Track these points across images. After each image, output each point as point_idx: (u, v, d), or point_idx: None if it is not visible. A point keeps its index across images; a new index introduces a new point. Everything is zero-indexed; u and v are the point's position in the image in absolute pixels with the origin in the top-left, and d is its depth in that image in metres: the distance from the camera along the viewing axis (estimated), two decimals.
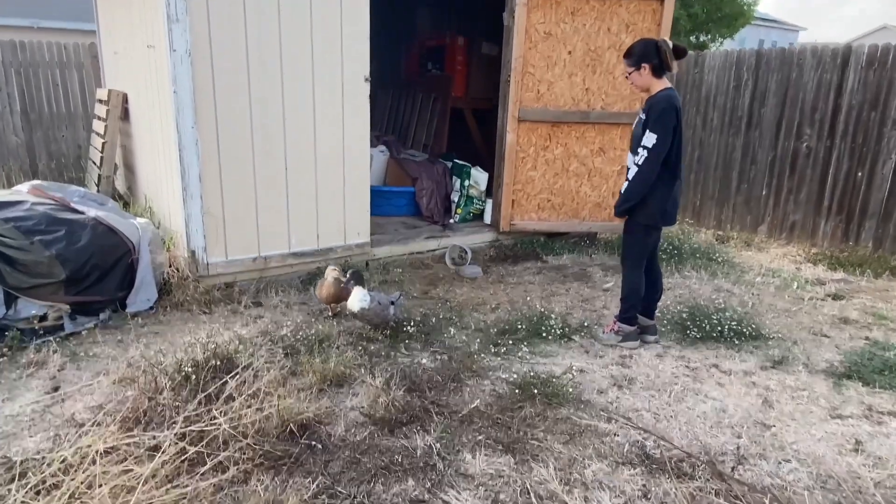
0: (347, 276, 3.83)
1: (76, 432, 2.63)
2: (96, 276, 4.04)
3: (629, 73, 3.50)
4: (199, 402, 2.62)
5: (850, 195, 6.05)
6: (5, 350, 3.45)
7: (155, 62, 4.46)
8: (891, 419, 2.97)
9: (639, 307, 3.75)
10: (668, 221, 3.69)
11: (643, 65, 3.39)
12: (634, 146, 3.56)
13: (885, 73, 5.67)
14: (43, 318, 3.87)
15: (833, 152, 6.12)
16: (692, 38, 18.16)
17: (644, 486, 2.38)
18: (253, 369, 2.96)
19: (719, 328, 3.83)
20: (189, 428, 2.44)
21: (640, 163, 3.37)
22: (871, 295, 4.81)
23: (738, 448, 2.62)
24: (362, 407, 2.87)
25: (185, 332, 3.78)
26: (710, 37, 19.05)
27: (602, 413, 2.92)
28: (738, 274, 5.28)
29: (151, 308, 4.16)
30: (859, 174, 5.96)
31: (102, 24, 6.86)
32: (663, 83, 3.44)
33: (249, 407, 2.54)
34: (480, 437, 2.66)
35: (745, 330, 3.85)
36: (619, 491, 2.35)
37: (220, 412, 2.54)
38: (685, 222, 7.18)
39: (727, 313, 3.99)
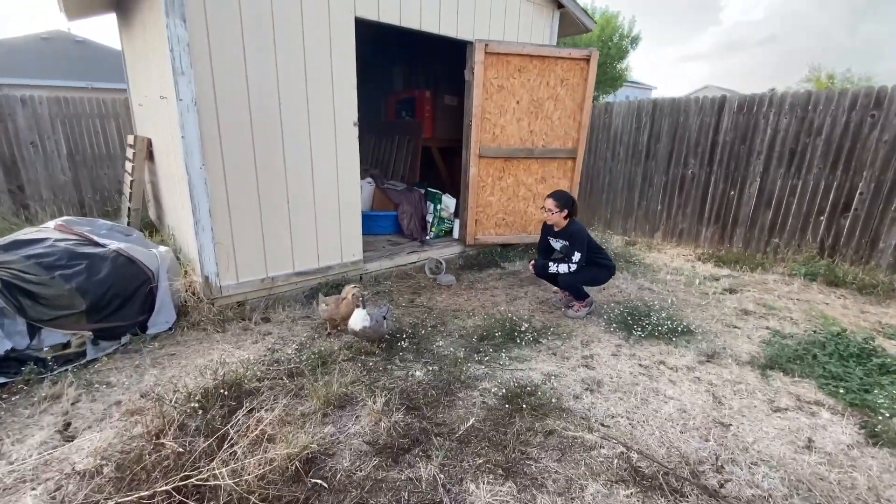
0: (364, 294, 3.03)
1: (75, 487, 1.81)
2: (117, 304, 3.14)
3: (554, 212, 3.55)
4: (207, 446, 1.83)
5: (724, 209, 5.64)
6: (21, 385, 2.54)
7: (167, 111, 3.55)
8: (819, 409, 2.44)
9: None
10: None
11: (565, 210, 3.55)
12: (552, 262, 3.66)
13: (752, 117, 5.25)
14: (66, 345, 2.96)
15: (712, 177, 5.69)
16: None
17: None
18: (259, 402, 2.18)
19: (658, 327, 3.26)
20: (188, 481, 1.66)
21: (574, 268, 3.52)
22: (755, 288, 4.36)
23: (716, 458, 2.02)
24: (365, 434, 2.13)
25: (199, 352, 2.94)
26: (597, 94, 18.78)
27: (583, 421, 2.28)
28: (653, 273, 4.76)
29: (170, 329, 3.29)
30: (731, 193, 5.54)
31: (130, 79, 5.78)
32: (567, 220, 3.59)
33: (254, 453, 1.77)
34: (480, 461, 1.98)
35: (675, 327, 3.29)
36: None
37: (223, 460, 1.76)
38: (601, 229, 6.67)
39: (662, 314, 3.44)
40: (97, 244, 3.39)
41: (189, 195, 3.20)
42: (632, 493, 1.81)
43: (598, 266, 3.62)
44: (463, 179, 4.92)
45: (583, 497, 1.80)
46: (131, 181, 4.84)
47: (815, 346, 3.04)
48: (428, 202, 5.45)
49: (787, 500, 1.81)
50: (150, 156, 4.92)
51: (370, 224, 5.28)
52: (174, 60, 2.98)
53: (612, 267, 3.65)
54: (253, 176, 3.42)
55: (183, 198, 3.53)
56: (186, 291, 3.42)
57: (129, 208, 4.86)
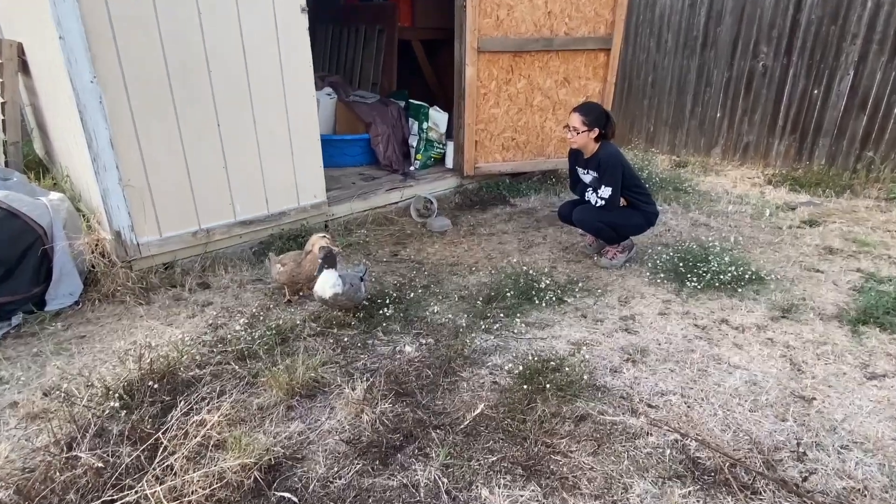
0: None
1: None
2: (1, 274, 3.02)
3: (580, 131, 3.33)
4: (135, 458, 1.79)
5: (804, 114, 5.47)
6: None
7: (36, 0, 3.23)
8: None
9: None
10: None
11: (596, 128, 3.33)
12: (589, 188, 3.55)
13: None
14: None
15: (790, 70, 5.46)
16: None
17: None
18: (200, 395, 2.13)
19: (719, 276, 3.21)
20: None
21: (601, 204, 3.40)
22: (842, 218, 4.31)
23: (796, 443, 2.02)
24: (343, 430, 2.11)
25: (117, 332, 2.87)
26: None
27: (624, 402, 2.27)
28: (710, 204, 4.69)
29: (77, 303, 3.19)
30: (815, 92, 5.35)
31: None
32: (598, 143, 3.40)
33: (198, 464, 1.73)
34: (493, 459, 1.97)
35: (741, 273, 3.25)
36: None
37: (156, 476, 1.72)
38: (642, 147, 6.49)
39: (723, 257, 3.38)
40: None
41: (80, 121, 2.98)
42: (689, 492, 1.82)
43: (633, 209, 3.48)
44: (457, 85, 4.67)
45: (627, 499, 1.80)
46: (3, 104, 4.54)
47: None
48: (410, 119, 5.23)
49: (887, 492, 1.82)
50: (25, 67, 4.58)
51: (334, 152, 5.07)
52: None
53: (654, 214, 3.52)
54: (167, 90, 3.17)
55: (74, 124, 3.29)
56: (93, 253, 3.29)
57: (3, 142, 4.60)
